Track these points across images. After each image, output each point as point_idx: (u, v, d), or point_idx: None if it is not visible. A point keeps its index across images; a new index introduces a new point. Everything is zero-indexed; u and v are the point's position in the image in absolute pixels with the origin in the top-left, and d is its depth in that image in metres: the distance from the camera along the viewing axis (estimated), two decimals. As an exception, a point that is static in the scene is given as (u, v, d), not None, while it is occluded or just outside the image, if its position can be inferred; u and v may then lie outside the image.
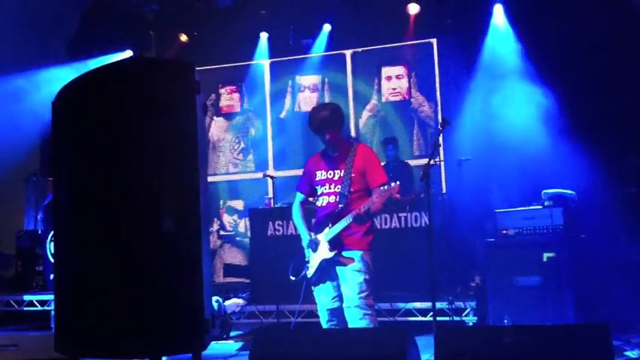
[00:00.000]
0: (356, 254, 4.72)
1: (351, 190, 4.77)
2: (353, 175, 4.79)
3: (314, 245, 4.84)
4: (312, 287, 4.92)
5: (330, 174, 4.89)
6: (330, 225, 4.76)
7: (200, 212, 2.28)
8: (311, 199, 5.18)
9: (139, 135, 2.23)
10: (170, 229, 2.19)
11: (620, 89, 7.72)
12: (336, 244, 4.73)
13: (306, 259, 4.92)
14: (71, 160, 2.52)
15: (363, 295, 4.66)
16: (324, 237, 4.78)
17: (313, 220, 5.09)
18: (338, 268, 4.75)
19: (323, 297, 4.88)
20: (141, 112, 2.25)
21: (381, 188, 4.56)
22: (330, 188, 4.87)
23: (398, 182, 4.57)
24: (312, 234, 4.90)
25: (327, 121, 4.83)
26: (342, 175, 4.82)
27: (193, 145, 2.31)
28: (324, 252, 4.77)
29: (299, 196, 5.16)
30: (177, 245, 2.20)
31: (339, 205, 4.75)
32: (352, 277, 4.69)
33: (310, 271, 4.86)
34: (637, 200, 7.23)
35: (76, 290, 2.37)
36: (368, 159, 4.88)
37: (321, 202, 4.93)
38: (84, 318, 2.32)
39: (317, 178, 4.97)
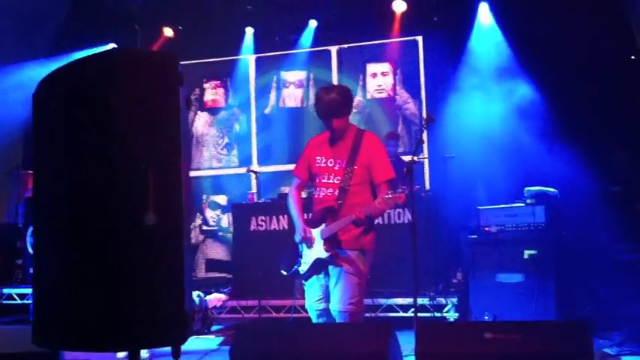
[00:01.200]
0: (349, 255, 4.43)
1: (352, 184, 4.43)
2: (356, 167, 4.44)
3: (308, 242, 4.51)
4: (304, 283, 4.66)
5: (331, 162, 4.53)
6: (326, 223, 4.44)
7: (182, 206, 2.26)
8: (309, 184, 4.86)
9: (120, 127, 2.21)
10: (151, 222, 2.17)
11: (605, 87, 7.78)
12: (332, 244, 4.43)
13: (300, 254, 4.61)
14: (51, 154, 2.49)
15: (352, 300, 4.38)
16: (320, 234, 4.47)
17: (309, 215, 4.75)
18: (331, 268, 4.46)
19: (312, 295, 4.61)
20: (122, 104, 2.23)
21: (386, 196, 4.19)
22: (329, 179, 4.52)
23: (403, 191, 4.28)
24: (307, 229, 4.53)
25: (336, 106, 4.44)
26: (343, 166, 4.47)
27: (176, 138, 2.29)
28: (319, 251, 4.46)
29: (295, 181, 4.77)
30: (158, 239, 2.18)
31: (338, 201, 4.42)
32: (343, 279, 4.41)
33: (303, 268, 4.55)
34: (621, 199, 7.29)
35: (54, 283, 2.35)
36: (375, 151, 4.52)
37: (319, 193, 4.57)
38: (62, 311, 2.30)
39: (316, 164, 4.59)
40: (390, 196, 4.18)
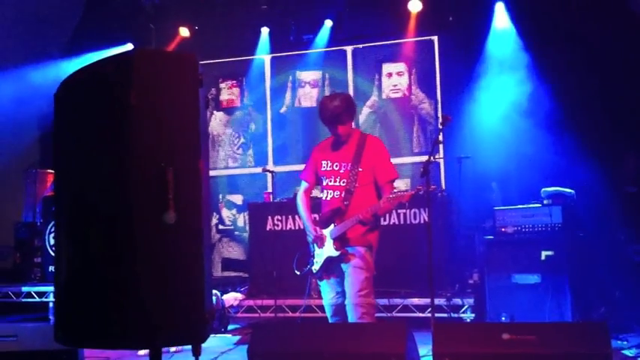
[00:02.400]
0: (358, 251, 4.67)
1: (357, 185, 4.67)
2: (360, 169, 4.68)
3: (319, 241, 4.76)
4: (318, 282, 4.91)
5: (337, 166, 4.78)
6: (335, 223, 4.69)
7: (201, 205, 2.28)
8: (317, 188, 5.09)
9: (141, 127, 2.23)
10: (171, 221, 2.19)
11: (621, 89, 7.72)
12: (341, 242, 4.67)
13: (312, 254, 4.86)
14: (72, 153, 2.52)
15: (362, 292, 4.59)
16: (329, 234, 4.72)
17: (317, 216, 5.00)
18: (342, 265, 4.70)
19: (327, 293, 4.86)
20: (143, 105, 2.25)
21: (391, 195, 4.46)
22: (335, 182, 4.76)
23: (405, 190, 4.50)
24: (318, 229, 4.81)
25: (338, 113, 4.67)
26: (348, 169, 4.71)
27: (196, 139, 2.31)
28: (329, 250, 4.71)
29: (303, 184, 5.05)
30: (178, 238, 2.20)
31: (345, 202, 4.67)
32: (354, 274, 4.64)
33: (315, 267, 4.81)
34: (637, 200, 7.24)
35: (76, 282, 2.37)
36: (378, 153, 4.76)
37: (326, 195, 4.83)
38: (83, 309, 2.32)
39: (323, 169, 4.85)
40: (394, 195, 4.45)
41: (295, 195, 7.69)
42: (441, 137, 5.23)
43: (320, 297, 5.02)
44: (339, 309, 4.78)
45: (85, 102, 2.48)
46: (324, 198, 4.85)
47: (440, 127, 5.31)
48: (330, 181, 4.79)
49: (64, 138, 2.63)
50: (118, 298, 2.17)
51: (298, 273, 4.98)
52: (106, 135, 2.38)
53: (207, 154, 2.57)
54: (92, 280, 2.26)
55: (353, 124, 4.86)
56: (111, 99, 2.37)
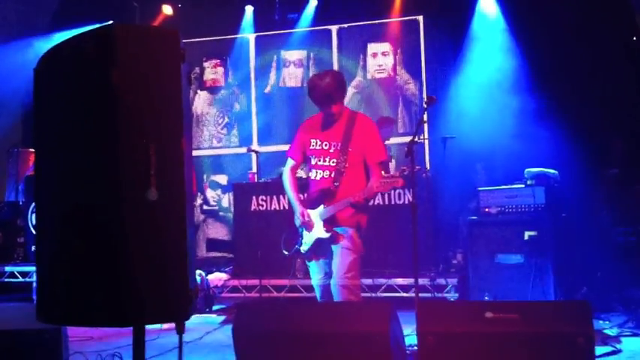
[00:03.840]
0: (346, 232, 4.58)
1: (347, 165, 4.55)
2: (350, 149, 4.56)
3: (308, 225, 4.63)
4: (307, 262, 4.82)
5: (326, 145, 4.64)
6: (324, 204, 4.57)
7: (184, 182, 2.26)
8: (302, 167, 4.96)
9: (122, 103, 2.20)
10: (153, 198, 2.17)
11: (605, 71, 7.76)
12: (331, 223, 4.57)
13: (300, 234, 4.73)
14: (52, 131, 2.49)
15: (348, 275, 4.52)
16: (319, 215, 4.60)
17: (305, 195, 4.89)
18: (332, 246, 4.61)
19: (315, 274, 4.77)
20: (124, 79, 2.21)
21: (384, 179, 4.39)
22: (324, 161, 4.64)
23: (399, 176, 4.44)
24: (306, 212, 4.64)
25: (331, 92, 4.51)
26: (338, 148, 4.58)
27: (178, 115, 2.28)
28: (319, 231, 4.60)
29: (290, 162, 4.87)
30: (160, 214, 2.18)
31: (335, 183, 4.55)
32: (342, 255, 4.56)
33: (304, 247, 4.70)
34: (619, 181, 7.29)
35: (57, 260, 2.35)
36: (368, 132, 4.65)
37: (315, 174, 4.69)
38: (65, 287, 2.30)
39: (311, 147, 4.71)
40: (388, 180, 4.37)
41: (280, 175, 7.73)
42: (425, 117, 5.21)
43: (305, 277, 4.99)
44: (327, 289, 4.69)
45: (65, 78, 2.44)
46: (312, 177, 4.73)
47: (425, 107, 5.30)
48: (320, 161, 4.67)
49: (44, 114, 2.59)
50: (101, 275, 2.15)
51: (286, 253, 4.83)
52: (87, 112, 2.35)
53: (190, 132, 2.54)
54: (74, 258, 2.24)
55: (343, 101, 4.71)
56: (92, 75, 2.33)
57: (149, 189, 2.15)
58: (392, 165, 8.52)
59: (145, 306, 2.12)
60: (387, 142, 7.94)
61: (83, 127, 2.35)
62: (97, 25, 2.36)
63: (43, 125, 2.60)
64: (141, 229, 2.14)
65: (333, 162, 4.60)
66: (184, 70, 2.42)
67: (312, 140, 4.72)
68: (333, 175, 4.58)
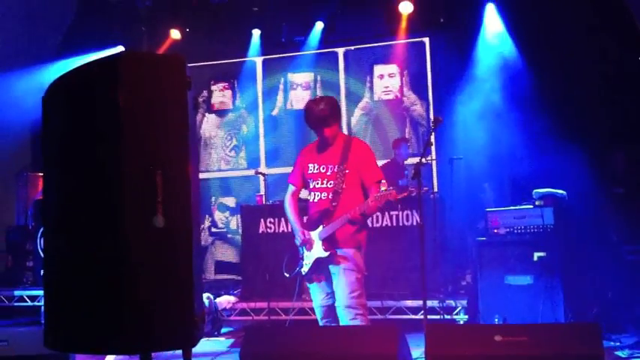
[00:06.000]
0: (348, 252, 4.66)
1: (345, 186, 4.68)
2: (347, 171, 4.69)
3: (308, 244, 4.76)
4: (307, 284, 4.89)
5: (324, 168, 4.79)
6: (323, 224, 4.69)
7: (191, 210, 2.27)
8: (304, 191, 5.08)
9: (129, 131, 2.22)
10: (160, 225, 2.18)
11: (613, 91, 7.76)
12: (330, 243, 4.66)
13: (300, 256, 4.85)
14: (61, 156, 2.50)
15: (354, 294, 4.58)
16: (318, 236, 4.72)
17: (305, 218, 5.01)
18: (331, 267, 4.68)
19: (317, 294, 4.84)
20: (131, 108, 2.23)
21: (378, 194, 4.48)
22: (322, 184, 4.78)
23: (392, 188, 4.51)
24: (306, 232, 4.78)
25: (324, 116, 4.70)
26: (335, 170, 4.73)
27: (184, 142, 2.30)
28: (318, 251, 4.70)
29: (291, 188, 5.02)
30: (166, 241, 2.19)
31: (333, 204, 4.68)
32: (344, 276, 4.62)
33: (305, 269, 4.79)
34: (625, 200, 7.27)
35: (66, 286, 2.36)
36: (363, 155, 4.79)
37: (314, 197, 4.83)
38: (73, 314, 2.31)
39: (309, 172, 4.86)
40: (382, 193, 4.47)
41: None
42: (432, 139, 5.22)
43: (312, 299, 5.00)
44: (330, 310, 4.76)
45: (72, 105, 2.47)
46: (311, 200, 4.86)
47: (431, 128, 5.31)
48: (318, 184, 4.81)
49: (52, 141, 2.61)
50: (107, 302, 2.15)
51: (287, 275, 4.95)
52: (94, 138, 2.37)
53: (197, 157, 2.55)
54: (81, 284, 2.25)
55: (339, 126, 4.88)
56: (99, 102, 2.35)
57: (156, 216, 2.16)
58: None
59: (151, 333, 2.12)
60: (405, 162, 7.99)
61: (91, 154, 2.37)
62: (107, 51, 2.39)
63: (51, 150, 2.62)
64: (147, 256, 2.15)
65: (330, 184, 4.74)
66: (190, 95, 2.44)
67: (309, 165, 4.87)
68: (331, 196, 4.71)
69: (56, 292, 2.44)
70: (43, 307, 7.45)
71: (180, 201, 2.25)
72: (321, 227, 4.71)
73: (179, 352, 2.25)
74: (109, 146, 2.30)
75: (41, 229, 8.16)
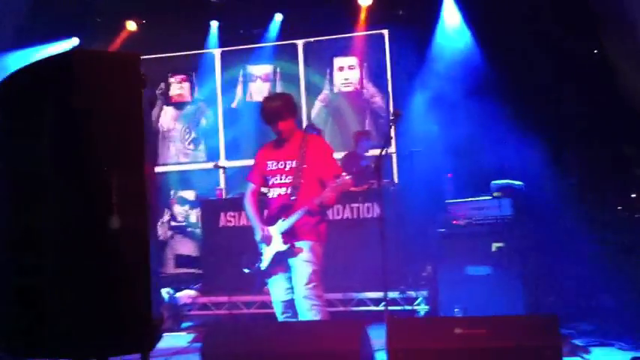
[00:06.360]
0: (305, 244, 4.73)
1: (303, 181, 4.75)
2: (305, 166, 4.76)
3: (267, 239, 4.80)
4: (266, 279, 4.90)
5: (282, 164, 4.86)
6: (282, 218, 4.74)
7: (147, 209, 2.23)
8: (263, 189, 5.11)
9: (83, 130, 2.16)
10: (115, 226, 2.13)
11: (569, 82, 7.88)
12: (289, 236, 4.72)
13: (260, 251, 4.88)
14: (13, 154, 2.44)
15: (310, 285, 4.65)
16: (277, 230, 4.76)
17: (265, 212, 5.03)
18: (290, 260, 4.74)
19: (277, 289, 4.87)
20: (84, 106, 2.18)
21: (335, 183, 4.55)
22: (281, 179, 4.84)
23: (349, 176, 4.57)
24: (265, 228, 4.83)
25: (278, 112, 4.79)
26: (293, 166, 4.80)
27: (140, 142, 2.25)
28: (277, 245, 4.76)
29: (250, 186, 5.07)
30: (123, 243, 2.14)
31: (291, 198, 4.74)
32: (301, 267, 4.69)
33: (264, 264, 4.83)
34: (578, 191, 7.40)
35: (18, 289, 2.30)
36: (320, 150, 4.87)
37: (273, 193, 4.89)
38: (27, 318, 2.25)
39: (268, 169, 4.92)
40: (338, 183, 4.54)
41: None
42: (392, 132, 5.24)
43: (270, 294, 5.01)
44: (290, 305, 4.80)
45: (25, 105, 2.40)
46: (270, 196, 4.91)
47: (391, 121, 5.33)
48: (276, 179, 4.87)
49: (2, 139, 2.54)
50: (60, 307, 2.10)
51: (247, 271, 4.96)
52: (46, 137, 2.31)
53: (155, 155, 2.51)
54: (32, 289, 2.19)
55: (294, 122, 4.93)
56: (51, 100, 2.29)
57: (111, 217, 2.12)
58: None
59: (107, 337, 2.08)
60: (366, 154, 8.00)
61: (42, 153, 2.31)
62: (62, 43, 2.32)
63: (2, 149, 2.55)
64: (101, 258, 2.11)
65: (289, 179, 4.81)
66: (145, 94, 2.39)
67: (268, 162, 4.93)
68: (289, 191, 4.78)
69: (8, 296, 2.38)
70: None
71: (137, 202, 2.21)
72: (280, 221, 4.76)
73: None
74: (60, 146, 2.23)
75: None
